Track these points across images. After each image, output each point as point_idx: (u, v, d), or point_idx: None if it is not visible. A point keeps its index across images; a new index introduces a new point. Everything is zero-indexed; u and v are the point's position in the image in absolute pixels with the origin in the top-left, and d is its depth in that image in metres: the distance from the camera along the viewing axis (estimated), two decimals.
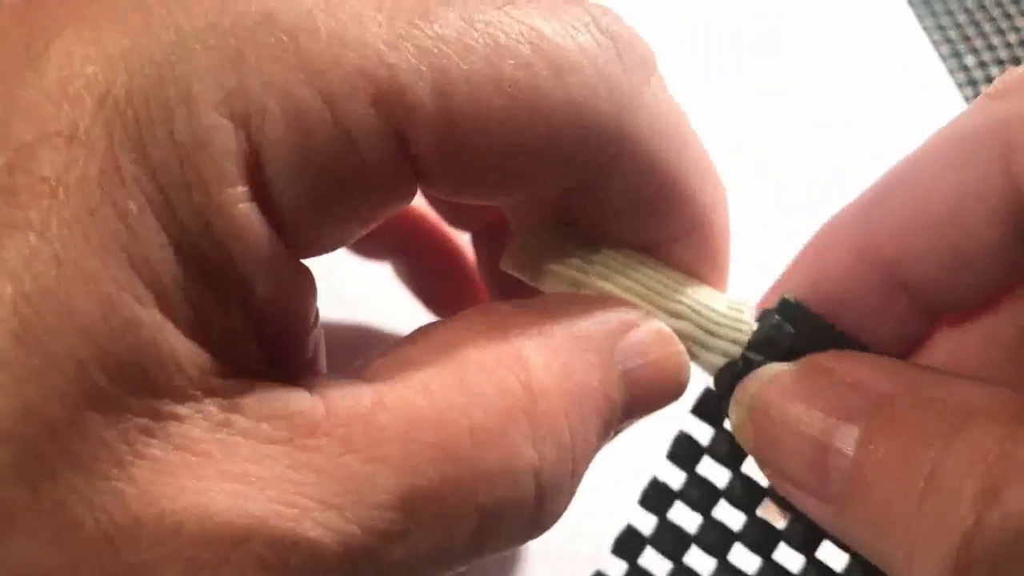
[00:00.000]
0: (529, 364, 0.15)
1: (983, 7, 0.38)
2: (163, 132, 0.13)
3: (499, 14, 0.14)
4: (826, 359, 0.17)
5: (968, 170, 0.16)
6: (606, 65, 0.15)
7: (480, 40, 0.14)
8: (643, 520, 0.19)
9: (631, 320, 0.17)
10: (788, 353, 0.18)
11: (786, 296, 0.18)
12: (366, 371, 0.15)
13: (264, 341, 0.15)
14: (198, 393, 0.13)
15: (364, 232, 0.15)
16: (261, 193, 0.13)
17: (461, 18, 0.14)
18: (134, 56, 0.13)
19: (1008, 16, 0.38)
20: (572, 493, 0.16)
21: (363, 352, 0.17)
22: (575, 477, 0.16)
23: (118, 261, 0.12)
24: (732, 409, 0.18)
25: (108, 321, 0.12)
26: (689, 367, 0.18)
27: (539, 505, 0.15)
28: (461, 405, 0.15)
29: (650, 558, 0.19)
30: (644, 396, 0.17)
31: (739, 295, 0.19)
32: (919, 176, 0.17)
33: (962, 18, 0.38)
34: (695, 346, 0.18)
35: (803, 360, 0.17)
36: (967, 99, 0.35)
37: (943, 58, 0.36)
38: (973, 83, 0.36)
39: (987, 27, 0.37)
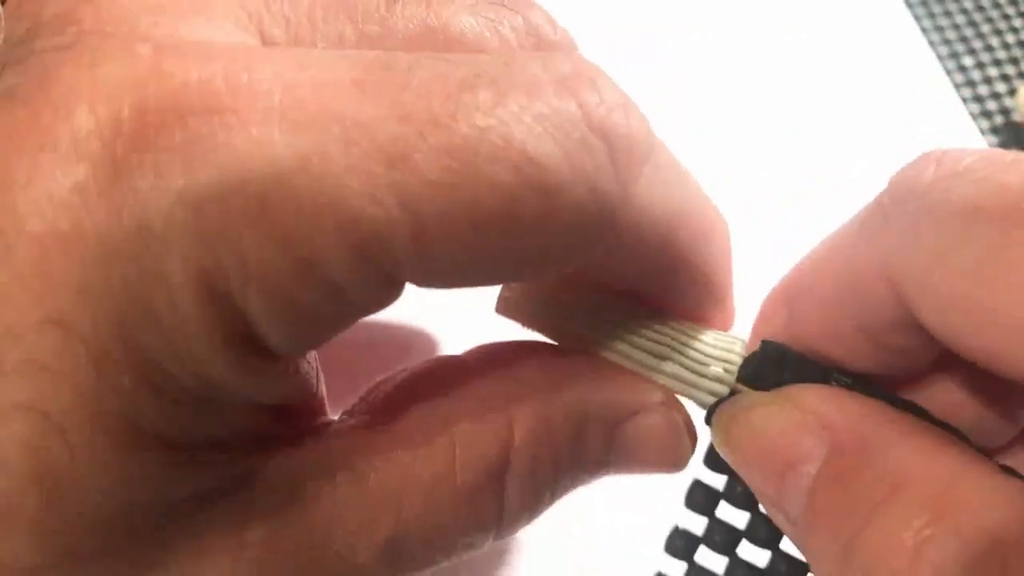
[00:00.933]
0: (515, 428, 0.17)
1: (981, 8, 0.38)
2: (147, 316, 0.13)
3: (482, 132, 0.13)
4: (797, 393, 0.17)
5: (864, 304, 0.16)
6: (596, 175, 0.14)
7: (460, 173, 0.13)
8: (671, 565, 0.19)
9: (648, 404, 0.18)
10: (776, 388, 0.18)
11: (766, 340, 0.18)
12: (370, 425, 0.17)
13: (274, 422, 0.16)
14: (213, 492, 0.15)
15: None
16: (249, 342, 0.14)
17: (442, 148, 0.13)
18: (110, 239, 0.13)
19: (1006, 17, 0.38)
20: (528, 524, 0.18)
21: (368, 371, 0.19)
22: (532, 518, 0.18)
23: (123, 430, 0.13)
24: (711, 432, 0.18)
25: (126, 485, 0.14)
26: (688, 458, 0.19)
27: (496, 535, 0.17)
28: (448, 466, 0.16)
29: None
30: (635, 465, 0.19)
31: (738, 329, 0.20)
32: (823, 297, 0.17)
33: (960, 19, 0.38)
34: (682, 385, 0.18)
35: (777, 392, 0.17)
36: (965, 100, 0.35)
37: (941, 59, 0.37)
38: (971, 84, 0.36)
39: (985, 28, 0.38)
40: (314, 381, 0.17)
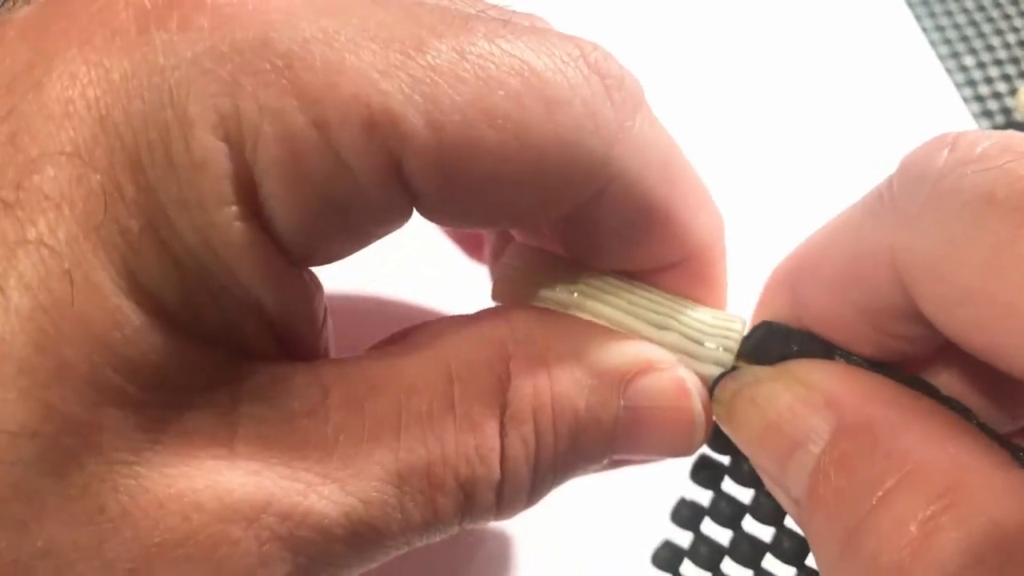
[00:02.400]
0: (511, 370, 0.17)
1: (982, 8, 0.38)
2: (161, 154, 0.13)
3: (490, 47, 0.14)
4: (803, 369, 0.17)
5: (868, 290, 0.16)
6: (594, 101, 0.15)
7: (471, 71, 0.14)
8: (678, 534, 0.19)
9: (654, 361, 0.18)
10: (780, 362, 0.18)
11: (768, 319, 0.18)
12: (367, 359, 0.16)
13: (271, 338, 0.16)
14: (209, 382, 0.14)
15: (361, 248, 0.16)
16: (256, 210, 0.14)
17: (453, 49, 0.14)
18: (134, 80, 0.13)
19: (1007, 17, 0.38)
20: (534, 490, 0.17)
21: (375, 332, 0.19)
22: (537, 477, 0.17)
23: (124, 275, 0.13)
24: (714, 406, 0.18)
25: (119, 329, 0.13)
26: (702, 425, 0.18)
27: (499, 489, 0.16)
28: (447, 394, 0.16)
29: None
30: (647, 437, 0.18)
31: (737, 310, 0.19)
32: (827, 280, 0.17)
33: (961, 19, 0.38)
34: (685, 357, 0.18)
35: (780, 366, 0.17)
36: (966, 99, 0.35)
37: (942, 59, 0.37)
38: (972, 83, 0.36)
39: (986, 28, 0.38)
40: (319, 316, 0.17)
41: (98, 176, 0.13)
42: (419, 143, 0.14)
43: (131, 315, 0.13)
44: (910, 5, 0.38)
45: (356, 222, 0.15)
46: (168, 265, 0.14)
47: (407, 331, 0.17)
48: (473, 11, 0.15)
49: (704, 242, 0.18)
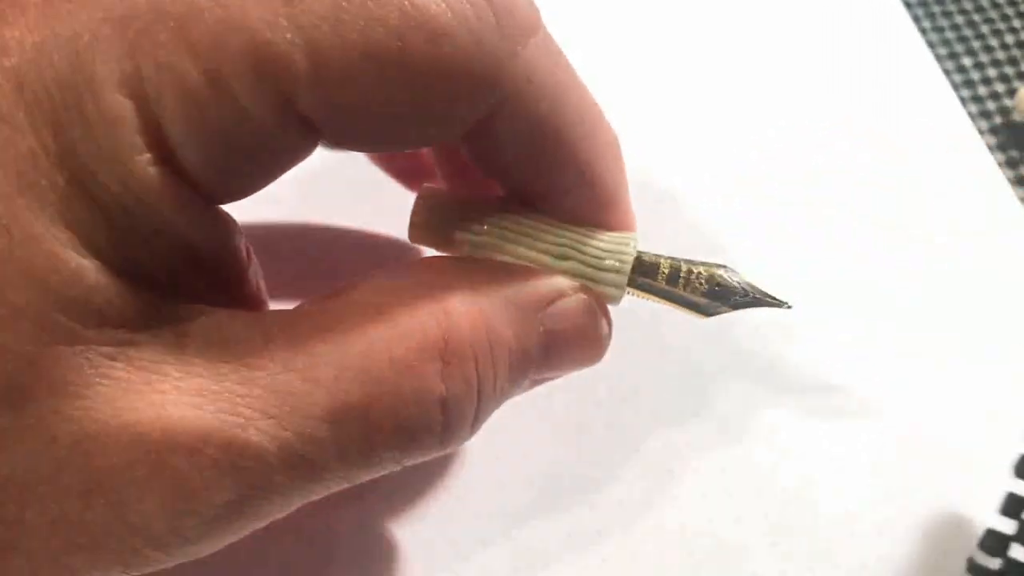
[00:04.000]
0: (450, 312, 0.18)
1: (981, 9, 0.38)
2: (76, 113, 0.15)
3: None
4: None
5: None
6: (480, 29, 0.16)
7: (351, 12, 0.15)
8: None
9: (563, 289, 0.20)
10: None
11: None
12: (308, 309, 0.18)
13: (204, 278, 0.17)
14: (152, 322, 0.16)
15: (274, 179, 0.18)
16: (168, 156, 0.15)
17: None
18: (44, 49, 0.15)
19: (1006, 18, 0.38)
20: (476, 422, 0.19)
21: (315, 286, 0.21)
22: (479, 410, 0.19)
23: (58, 225, 0.15)
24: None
25: (59, 273, 0.15)
26: (608, 337, 0.21)
27: (444, 428, 0.18)
28: (385, 339, 0.17)
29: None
30: (564, 355, 0.20)
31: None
32: None
33: (959, 20, 0.38)
34: (588, 282, 0.21)
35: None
36: (964, 100, 0.35)
37: (940, 59, 0.37)
38: (970, 84, 0.36)
39: (984, 29, 0.38)
40: (241, 254, 0.18)
41: (24, 139, 0.14)
42: (306, 82, 0.15)
43: (70, 261, 0.15)
44: (908, 6, 0.38)
45: (264, 158, 0.17)
46: (98, 214, 0.15)
47: (347, 284, 0.19)
48: None
49: (599, 164, 0.20)
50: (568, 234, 0.20)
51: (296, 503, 0.17)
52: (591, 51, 0.35)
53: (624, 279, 0.21)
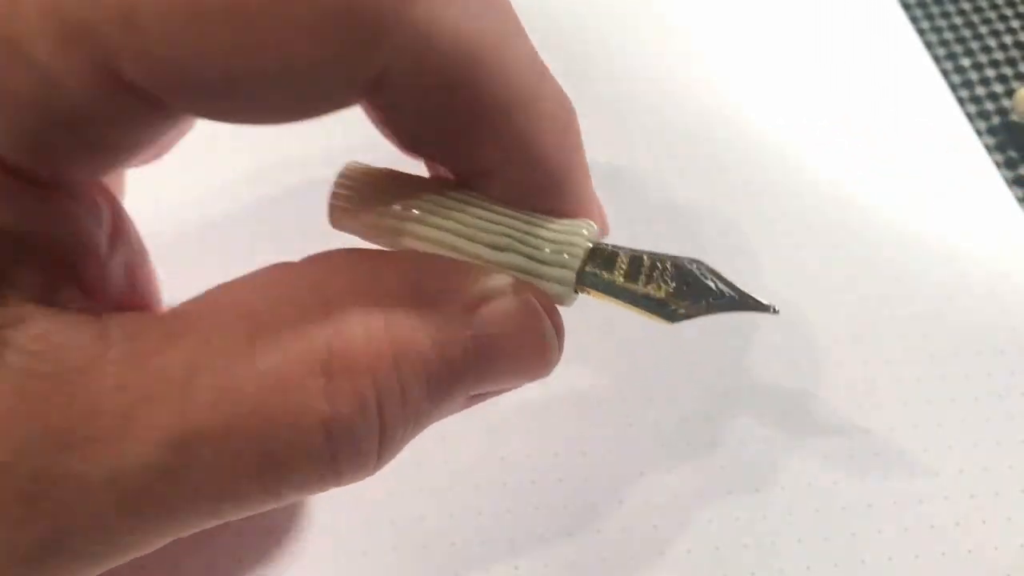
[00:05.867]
0: (338, 321, 0.15)
1: (979, 9, 0.38)
2: None
3: None
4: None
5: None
6: None
7: None
8: None
9: (497, 287, 0.17)
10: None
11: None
12: (168, 312, 0.15)
13: (39, 274, 0.15)
14: None
15: (132, 158, 0.15)
16: None
17: None
18: None
19: (1004, 18, 0.38)
20: (384, 448, 0.16)
21: None
22: (386, 434, 0.15)
23: None
24: None
25: None
26: (555, 343, 0.18)
27: (332, 456, 0.15)
28: (253, 349, 0.14)
29: None
30: (502, 365, 0.17)
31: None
32: None
33: (958, 20, 0.38)
34: (529, 277, 0.17)
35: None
36: (962, 100, 0.35)
37: (938, 60, 0.36)
38: (969, 85, 0.36)
39: (983, 29, 0.38)
40: (96, 244, 0.16)
41: None
42: (126, 43, 0.13)
43: None
44: (906, 6, 0.38)
45: (94, 133, 0.14)
46: None
47: (228, 284, 0.16)
48: None
49: (542, 138, 0.17)
50: (512, 222, 0.17)
51: (143, 547, 0.14)
52: (588, 47, 0.35)
53: (571, 275, 0.17)
